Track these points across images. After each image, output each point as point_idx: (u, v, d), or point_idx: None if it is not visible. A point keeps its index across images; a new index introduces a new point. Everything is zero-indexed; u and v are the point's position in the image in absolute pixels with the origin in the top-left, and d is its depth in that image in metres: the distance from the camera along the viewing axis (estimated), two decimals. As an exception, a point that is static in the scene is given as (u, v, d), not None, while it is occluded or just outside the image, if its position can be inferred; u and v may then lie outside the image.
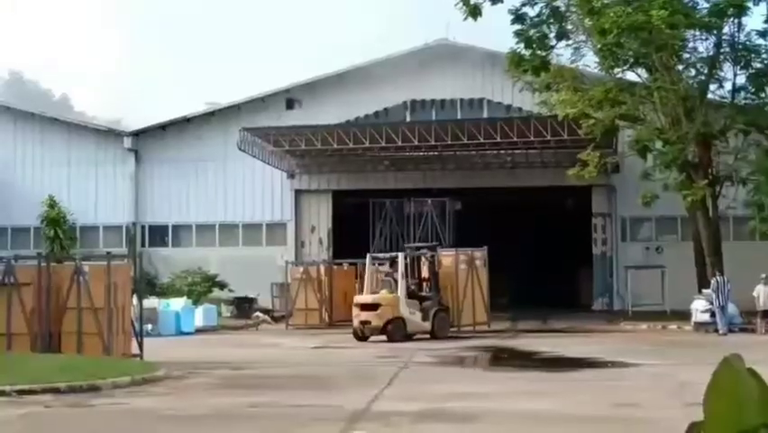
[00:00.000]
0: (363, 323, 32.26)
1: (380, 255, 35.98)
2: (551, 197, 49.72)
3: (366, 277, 34.18)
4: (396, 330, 32.04)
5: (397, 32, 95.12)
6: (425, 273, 34.58)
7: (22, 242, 49.14)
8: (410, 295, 33.13)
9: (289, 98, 49.55)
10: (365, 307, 32.40)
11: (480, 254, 37.03)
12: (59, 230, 48.25)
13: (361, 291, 34.69)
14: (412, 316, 32.71)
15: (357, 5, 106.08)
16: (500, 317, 43.47)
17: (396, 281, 32.98)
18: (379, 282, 34.04)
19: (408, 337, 32.00)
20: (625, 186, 44.83)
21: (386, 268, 34.68)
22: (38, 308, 24.51)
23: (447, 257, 35.59)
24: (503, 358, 26.80)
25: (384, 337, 31.92)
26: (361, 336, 32.26)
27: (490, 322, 36.67)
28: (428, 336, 32.66)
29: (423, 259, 34.65)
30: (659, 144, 38.13)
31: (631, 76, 39.10)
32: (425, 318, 33.03)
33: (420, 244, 36.33)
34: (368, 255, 34.91)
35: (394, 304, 32.34)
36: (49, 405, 17.29)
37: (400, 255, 33.71)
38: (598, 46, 36.10)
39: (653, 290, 43.15)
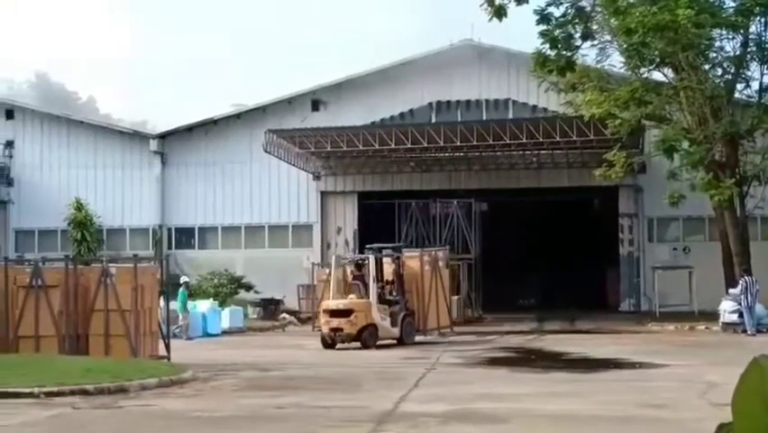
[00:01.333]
0: (335, 330, 30.16)
1: (347, 257, 34.60)
2: (577, 197, 49.63)
3: (332, 280, 32.08)
4: (370, 337, 30.25)
5: (423, 33, 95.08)
6: (388, 276, 32.41)
7: (50, 244, 49.40)
8: (380, 300, 31.19)
9: (315, 100, 49.58)
10: (336, 313, 30.39)
11: (442, 255, 35.74)
12: (85, 232, 48.47)
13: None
14: (383, 322, 30.87)
15: (383, 7, 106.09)
16: (527, 318, 43.49)
17: (365, 285, 31.13)
18: (347, 286, 32.12)
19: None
20: (651, 186, 44.63)
21: (353, 271, 32.65)
22: (65, 310, 24.64)
23: (412, 259, 33.67)
24: (531, 359, 26.72)
25: (349, 345, 29.99)
26: (330, 344, 30.17)
27: (453, 327, 34.98)
28: (395, 342, 30.98)
29: (386, 261, 32.44)
30: (685, 144, 37.93)
31: (657, 75, 38.98)
32: (393, 324, 31.21)
33: (383, 245, 34.12)
34: (333, 256, 33.73)
35: (367, 310, 30.42)
36: (77, 406, 17.38)
37: (370, 257, 31.54)
38: (624, 46, 35.98)
39: (681, 290, 42.94)
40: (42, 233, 50.58)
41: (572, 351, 28.51)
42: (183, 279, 38.19)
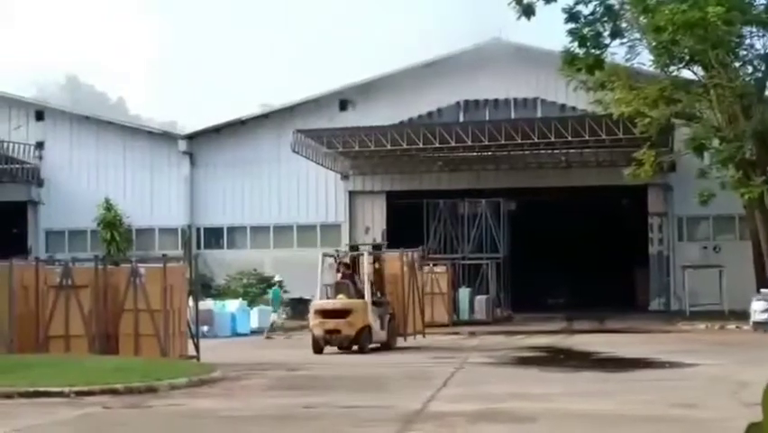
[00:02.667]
0: (330, 332, 28.19)
1: (332, 252, 31.37)
2: (606, 196, 49.45)
3: (318, 279, 29.71)
4: (366, 340, 28.46)
5: (451, 32, 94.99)
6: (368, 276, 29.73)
7: (79, 244, 49.67)
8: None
9: (343, 100, 49.64)
10: (331, 314, 28.36)
11: (416, 256, 33.88)
12: (115, 232, 48.71)
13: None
14: (375, 324, 29.00)
15: (411, 6, 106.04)
16: (556, 317, 43.36)
17: (355, 284, 29.03)
18: (336, 285, 29.52)
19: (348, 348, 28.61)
20: (681, 185, 44.43)
21: (342, 270, 29.98)
22: (95, 310, 24.75)
23: (392, 259, 31.75)
24: (560, 359, 26.63)
25: (335, 349, 28.46)
26: (320, 349, 28.35)
27: (425, 331, 33.30)
28: (378, 346, 29.22)
29: (363, 260, 30.05)
30: (715, 142, 37.72)
31: (686, 73, 38.75)
32: (381, 327, 29.38)
33: (362, 243, 32.87)
34: (320, 253, 30.73)
35: (364, 311, 28.45)
36: (107, 406, 17.43)
37: (365, 255, 29.87)
38: (653, 44, 35.80)
39: (711, 289, 42.72)
40: (72, 233, 50.83)
41: (602, 350, 28.39)
42: (277, 277, 38.20)
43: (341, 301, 28.65)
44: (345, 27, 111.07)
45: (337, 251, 31.74)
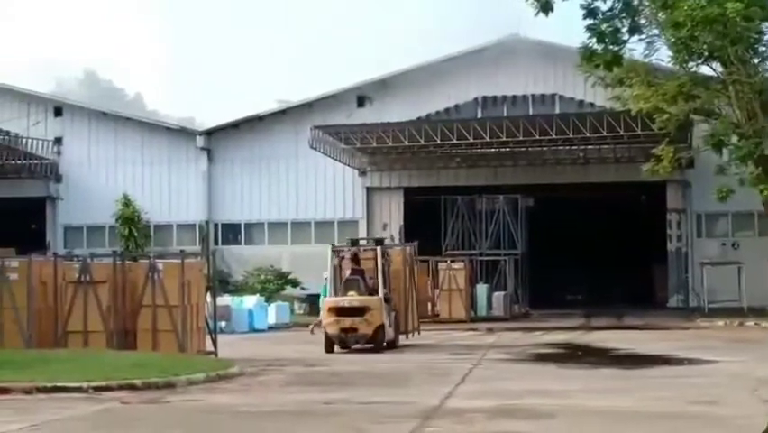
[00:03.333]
0: (347, 331, 27.12)
1: (343, 247, 30.06)
2: (624, 192, 49.37)
3: (329, 274, 28.61)
4: (383, 339, 27.55)
5: (468, 29, 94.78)
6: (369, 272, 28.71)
7: (98, 240, 49.80)
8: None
9: (360, 96, 49.63)
10: (347, 311, 27.20)
11: (410, 250, 32.93)
12: (133, 228, 48.80)
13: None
14: (386, 321, 27.91)
15: (428, 2, 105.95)
16: (574, 313, 43.32)
17: (365, 280, 27.90)
18: (344, 282, 28.29)
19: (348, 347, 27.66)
20: (700, 181, 44.22)
21: (351, 265, 28.79)
22: (113, 305, 24.80)
23: (394, 254, 30.94)
24: (578, 355, 26.58)
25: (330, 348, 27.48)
26: (332, 348, 27.39)
27: (420, 328, 32.31)
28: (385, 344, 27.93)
29: (368, 255, 29.09)
30: (734, 139, 37.52)
31: (706, 70, 38.52)
32: (389, 324, 28.22)
33: (361, 238, 31.71)
34: (330, 247, 29.60)
35: (379, 308, 27.35)
36: (125, 401, 17.48)
37: (379, 249, 28.58)
38: (672, 40, 35.58)
39: (730, 286, 42.58)
40: (90, 229, 50.96)
41: (620, 347, 28.35)
42: (326, 274, 37.19)
43: (358, 298, 27.45)
44: (363, 23, 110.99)
45: (350, 242, 30.66)
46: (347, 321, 27.20)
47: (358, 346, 27.51)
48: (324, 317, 27.80)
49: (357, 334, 27.25)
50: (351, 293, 27.64)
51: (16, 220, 49.71)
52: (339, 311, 27.39)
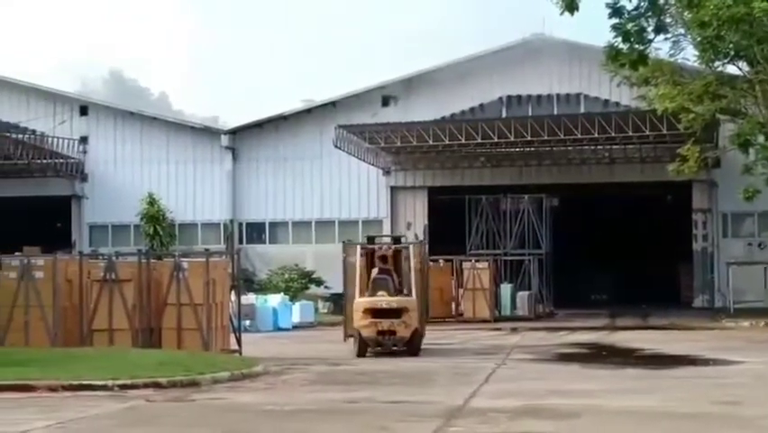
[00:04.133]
0: (384, 333, 25.63)
1: (370, 246, 28.09)
2: (650, 192, 49.23)
3: (357, 273, 27.01)
4: (419, 342, 26.39)
5: (494, 27, 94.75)
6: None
7: (123, 239, 49.97)
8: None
9: (385, 95, 49.63)
10: (384, 313, 25.74)
11: (422, 249, 32.01)
12: (158, 227, 48.91)
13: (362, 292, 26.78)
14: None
15: (455, 2, 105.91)
16: (599, 313, 43.19)
17: (393, 280, 26.63)
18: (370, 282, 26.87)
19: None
20: (726, 181, 44.06)
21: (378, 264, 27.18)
22: (138, 303, 24.87)
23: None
24: (603, 355, 26.50)
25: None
26: (365, 352, 25.99)
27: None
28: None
29: (410, 252, 27.67)
30: (761, 138, 37.38)
31: (732, 69, 38.41)
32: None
33: (377, 235, 30.34)
34: (358, 246, 27.87)
35: (415, 309, 26.12)
36: (150, 399, 17.54)
37: (411, 247, 27.77)
38: (698, 39, 35.50)
39: (756, 286, 42.42)
40: (116, 227, 51.14)
41: (645, 347, 28.26)
42: (374, 272, 35.98)
43: (396, 299, 26.09)
44: (387, 22, 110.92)
45: (370, 239, 28.80)
46: (385, 323, 25.67)
47: (394, 349, 25.96)
48: (359, 318, 26.01)
49: (395, 337, 25.75)
50: (381, 293, 26.25)
51: (42, 219, 50.02)
52: (375, 313, 25.83)
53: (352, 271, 28.24)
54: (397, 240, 28.89)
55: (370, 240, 28.19)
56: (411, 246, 28.06)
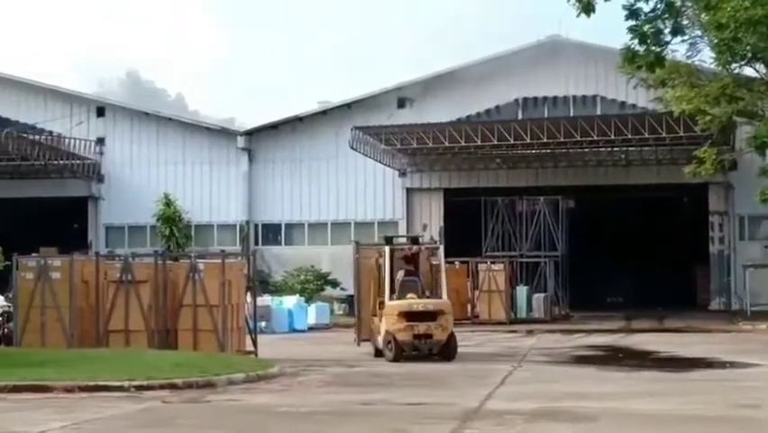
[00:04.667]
0: (421, 337, 24.80)
1: (400, 244, 27.25)
2: (666, 194, 49.12)
3: (386, 274, 25.80)
4: (455, 346, 25.50)
5: (509, 30, 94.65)
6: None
7: (139, 239, 50.07)
8: None
9: (401, 97, 49.64)
10: (420, 316, 24.90)
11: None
12: (174, 228, 49.02)
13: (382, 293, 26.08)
14: None
15: (469, 3, 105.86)
16: (615, 316, 43.09)
17: (420, 282, 26.03)
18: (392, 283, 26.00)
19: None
20: (743, 183, 43.93)
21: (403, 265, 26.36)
22: (154, 305, 24.91)
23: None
24: (619, 358, 26.44)
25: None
26: (400, 356, 24.82)
27: None
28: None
29: (440, 254, 26.98)
30: (778, 141, 37.21)
31: (749, 71, 38.30)
32: None
33: (395, 235, 29.67)
34: (387, 247, 26.23)
35: (452, 312, 25.73)
36: (166, 400, 17.56)
37: (441, 248, 27.10)
38: (715, 41, 35.39)
39: (773, 289, 42.30)
40: (132, 228, 51.26)
41: (661, 350, 28.20)
42: (400, 274, 34.69)
43: (432, 302, 25.49)
44: (403, 24, 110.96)
45: (388, 240, 27.45)
46: (422, 327, 24.81)
47: (430, 354, 25.14)
48: (393, 322, 24.99)
49: (431, 340, 24.91)
50: (410, 295, 25.46)
51: (59, 219, 50.14)
52: (411, 316, 24.94)
53: (365, 272, 28.01)
54: (415, 240, 28.03)
55: (389, 240, 27.54)
56: (441, 246, 27.40)
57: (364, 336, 27.75)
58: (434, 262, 26.85)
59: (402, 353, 24.88)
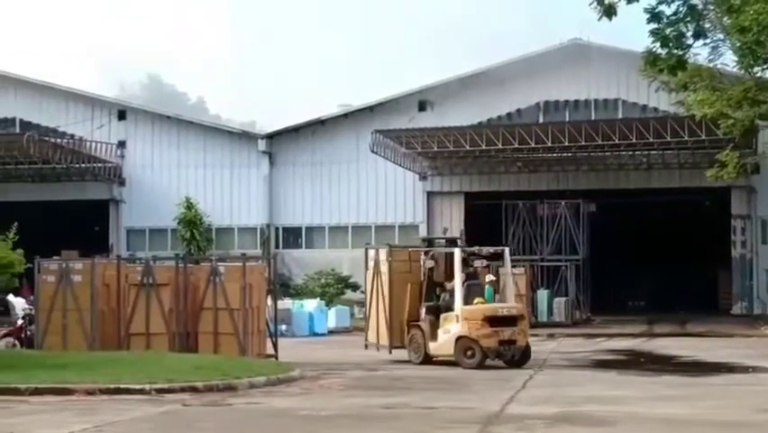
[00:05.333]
0: (507, 343, 24.28)
1: (473, 249, 26.30)
2: (688, 198, 48.94)
3: (456, 278, 24.97)
4: (529, 352, 25.07)
5: (530, 33, 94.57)
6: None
7: (160, 243, 50.17)
8: None
9: (422, 100, 49.58)
10: (503, 321, 24.40)
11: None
12: (195, 231, 49.09)
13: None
14: None
15: (490, 6, 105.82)
16: (636, 320, 42.96)
17: (494, 286, 25.52)
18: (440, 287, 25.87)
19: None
20: (765, 186, 43.81)
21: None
22: (175, 308, 24.96)
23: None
24: (640, 362, 26.34)
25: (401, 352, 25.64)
26: (482, 362, 24.28)
27: None
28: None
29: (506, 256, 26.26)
30: (801, 145, 37.09)
31: (771, 75, 38.13)
32: None
33: (436, 237, 29.26)
34: (457, 250, 25.57)
35: (527, 317, 25.76)
36: (187, 403, 17.59)
37: (506, 250, 26.35)
38: (737, 44, 35.25)
39: (796, 293, 42.10)
40: (153, 231, 51.37)
41: (683, 354, 28.10)
42: (489, 278, 33.78)
43: (515, 306, 25.36)
44: (424, 27, 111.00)
45: (429, 242, 27.53)
46: (506, 332, 24.29)
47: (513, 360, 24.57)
48: (476, 327, 24.22)
49: (515, 346, 24.44)
50: (478, 300, 24.75)
51: (80, 222, 50.33)
52: (495, 321, 24.33)
53: (381, 276, 26.82)
54: (452, 242, 27.45)
55: (429, 243, 27.35)
56: (506, 249, 26.67)
57: (396, 343, 26.44)
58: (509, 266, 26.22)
59: (485, 359, 24.33)
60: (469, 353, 24.36)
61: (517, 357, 24.45)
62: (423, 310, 25.60)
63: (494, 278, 25.69)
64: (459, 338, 24.51)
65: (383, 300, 26.66)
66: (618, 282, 51.75)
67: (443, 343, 24.92)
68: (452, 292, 25.22)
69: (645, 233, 53.62)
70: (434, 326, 25.21)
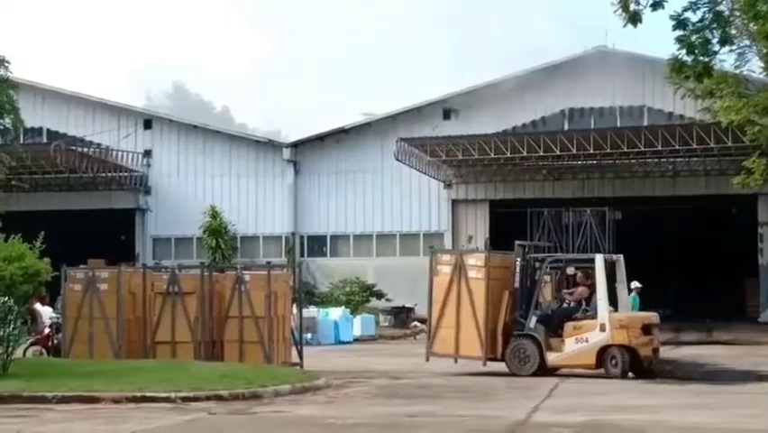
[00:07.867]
0: (655, 351, 24.61)
1: (569, 256, 26.98)
2: (714, 205, 48.70)
3: (599, 284, 24.66)
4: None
5: (555, 40, 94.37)
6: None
7: (185, 251, 50.28)
8: None
9: (446, 108, 49.54)
10: (650, 329, 24.46)
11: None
12: (220, 240, 49.18)
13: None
14: None
15: (514, 14, 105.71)
16: (662, 328, 42.72)
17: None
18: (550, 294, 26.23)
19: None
20: (792, 194, 43.52)
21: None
22: (201, 316, 25.02)
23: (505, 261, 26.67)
24: (666, 370, 26.20)
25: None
26: (626, 371, 23.75)
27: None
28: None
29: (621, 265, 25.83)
30: (828, 151, 36.84)
31: (798, 81, 37.95)
32: None
33: (535, 243, 28.66)
34: (598, 256, 25.65)
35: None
36: (212, 412, 17.60)
37: (598, 258, 25.44)
38: (764, 51, 35.11)
39: (824, 301, 41.82)
40: (178, 240, 51.49)
41: (710, 362, 27.95)
42: (634, 284, 32.50)
43: (656, 315, 25.30)
44: (448, 35, 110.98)
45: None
46: (656, 340, 24.51)
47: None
48: (636, 335, 23.93)
49: (657, 354, 24.73)
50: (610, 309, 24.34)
51: (106, 231, 50.48)
52: (647, 329, 24.33)
53: (469, 283, 25.21)
54: (540, 249, 27.41)
55: (530, 249, 26.87)
56: (620, 257, 25.94)
57: (434, 350, 25.45)
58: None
59: (643, 367, 24.00)
60: (614, 362, 23.82)
61: (648, 366, 24.24)
62: (533, 319, 24.71)
63: (640, 285, 25.64)
64: (606, 347, 23.90)
65: (471, 309, 25.01)
66: (644, 289, 51.48)
67: (573, 353, 24.21)
68: (581, 301, 25.03)
69: (671, 240, 53.40)
70: (549, 335, 24.63)
